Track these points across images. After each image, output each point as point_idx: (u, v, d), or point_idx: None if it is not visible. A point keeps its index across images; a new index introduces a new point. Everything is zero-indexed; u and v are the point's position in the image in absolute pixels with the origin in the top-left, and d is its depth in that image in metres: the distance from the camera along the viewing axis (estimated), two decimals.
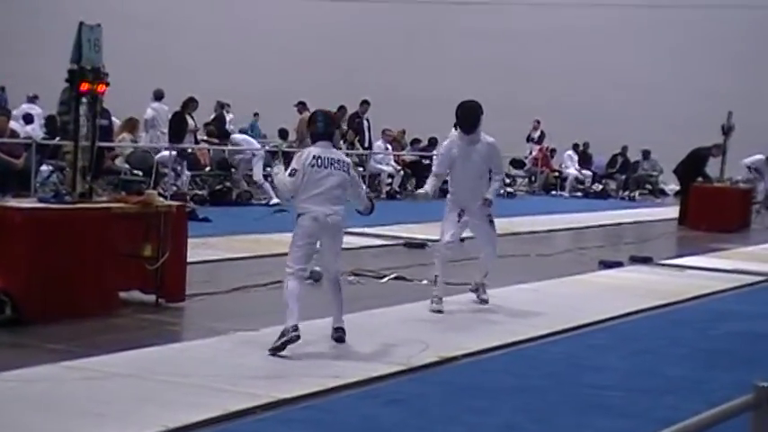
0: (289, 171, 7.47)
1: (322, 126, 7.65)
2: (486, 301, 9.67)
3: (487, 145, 9.40)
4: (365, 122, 23.31)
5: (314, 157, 7.44)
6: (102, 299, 8.23)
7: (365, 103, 23.19)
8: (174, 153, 18.05)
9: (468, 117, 9.35)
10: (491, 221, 9.60)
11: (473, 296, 9.77)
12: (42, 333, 7.42)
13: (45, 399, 5.84)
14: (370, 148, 23.15)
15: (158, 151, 17.77)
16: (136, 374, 6.42)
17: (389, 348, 7.60)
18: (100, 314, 8.03)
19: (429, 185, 9.57)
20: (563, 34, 31.67)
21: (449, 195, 9.56)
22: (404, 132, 26.25)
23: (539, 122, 29.29)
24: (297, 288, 7.29)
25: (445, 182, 9.86)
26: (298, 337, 7.11)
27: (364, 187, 8.11)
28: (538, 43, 31.70)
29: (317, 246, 7.58)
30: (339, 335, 7.62)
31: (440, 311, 9.10)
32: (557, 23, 31.74)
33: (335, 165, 7.47)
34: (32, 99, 23.92)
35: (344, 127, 22.30)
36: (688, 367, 7.79)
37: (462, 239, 9.97)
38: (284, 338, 7.09)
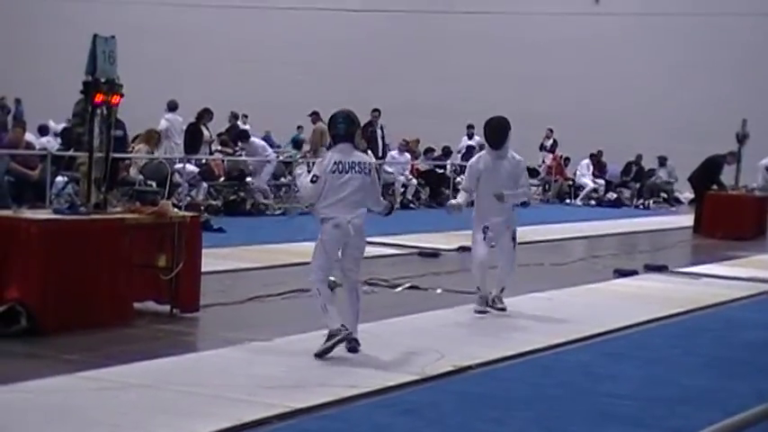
0: (310, 177, 7.47)
1: (343, 127, 7.57)
2: (504, 309, 9.70)
3: (515, 162, 9.60)
4: (379, 131, 23.32)
5: (335, 162, 7.44)
6: (117, 309, 8.24)
7: (376, 111, 23.18)
8: (192, 166, 18.22)
9: (496, 132, 9.52)
10: (513, 238, 9.74)
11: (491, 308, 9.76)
12: (57, 344, 7.43)
13: (60, 409, 5.85)
14: (383, 156, 23.18)
15: (174, 163, 17.81)
16: (150, 385, 6.42)
17: (404, 358, 7.59)
18: (115, 325, 8.05)
19: (460, 198, 9.79)
20: (575, 43, 31.66)
21: (474, 211, 9.70)
22: (417, 141, 26.27)
23: (551, 131, 29.27)
24: (328, 291, 7.44)
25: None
26: (349, 335, 7.25)
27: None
28: (550, 52, 31.69)
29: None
30: (353, 345, 7.57)
31: (483, 312, 9.47)
32: (569, 33, 31.74)
33: (356, 168, 7.47)
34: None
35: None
36: (704, 376, 7.75)
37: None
38: (337, 338, 7.20)
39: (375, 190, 7.79)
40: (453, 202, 9.79)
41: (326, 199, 7.42)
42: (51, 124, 21.41)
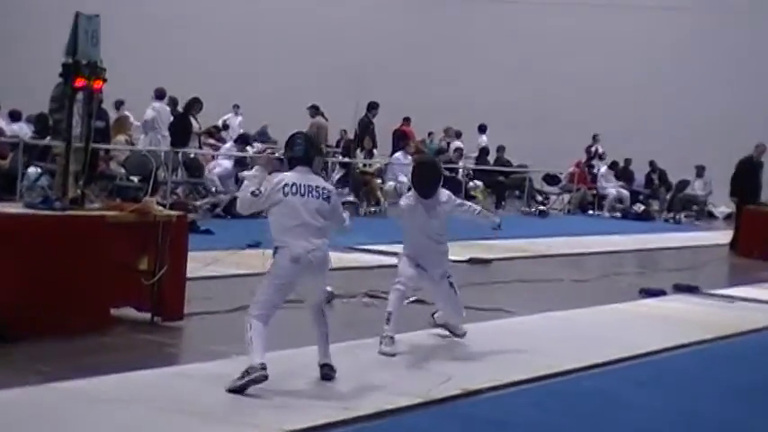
0: (252, 190, 7.21)
1: (301, 150, 7.32)
2: (462, 336, 9.19)
3: (444, 203, 8.87)
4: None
5: (288, 185, 7.15)
6: (94, 316, 8.27)
7: (375, 106, 22.86)
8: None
9: (427, 181, 8.85)
10: (451, 284, 8.97)
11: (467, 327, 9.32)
12: (28, 351, 7.46)
13: (29, 422, 5.88)
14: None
15: (156, 154, 17.87)
16: (127, 399, 6.45)
17: (407, 379, 7.61)
18: (90, 332, 8.06)
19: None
20: (602, 44, 31.73)
21: (403, 247, 8.97)
22: (423, 141, 26.40)
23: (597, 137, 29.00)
24: (262, 328, 7.01)
25: None
26: (265, 377, 6.82)
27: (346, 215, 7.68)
28: (575, 53, 31.70)
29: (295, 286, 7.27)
30: (326, 372, 7.33)
31: (392, 355, 8.32)
32: (593, 32, 31.83)
33: (314, 192, 7.21)
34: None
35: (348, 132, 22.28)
36: (732, 408, 7.77)
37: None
38: (249, 377, 6.78)
39: (337, 216, 7.46)
40: (389, 185, 8.88)
41: (282, 224, 7.11)
42: None
